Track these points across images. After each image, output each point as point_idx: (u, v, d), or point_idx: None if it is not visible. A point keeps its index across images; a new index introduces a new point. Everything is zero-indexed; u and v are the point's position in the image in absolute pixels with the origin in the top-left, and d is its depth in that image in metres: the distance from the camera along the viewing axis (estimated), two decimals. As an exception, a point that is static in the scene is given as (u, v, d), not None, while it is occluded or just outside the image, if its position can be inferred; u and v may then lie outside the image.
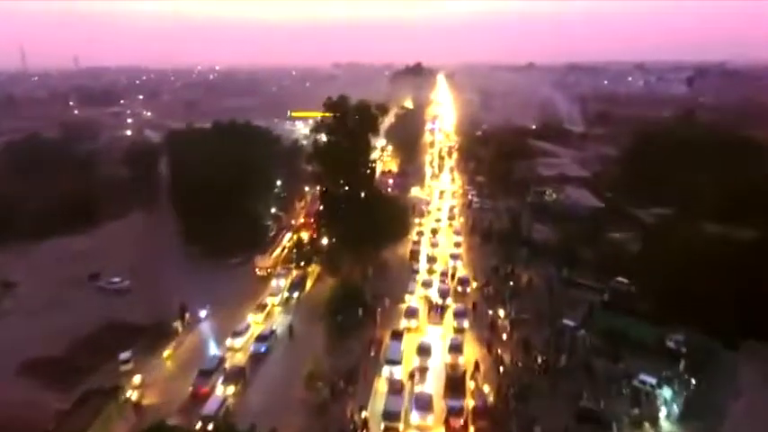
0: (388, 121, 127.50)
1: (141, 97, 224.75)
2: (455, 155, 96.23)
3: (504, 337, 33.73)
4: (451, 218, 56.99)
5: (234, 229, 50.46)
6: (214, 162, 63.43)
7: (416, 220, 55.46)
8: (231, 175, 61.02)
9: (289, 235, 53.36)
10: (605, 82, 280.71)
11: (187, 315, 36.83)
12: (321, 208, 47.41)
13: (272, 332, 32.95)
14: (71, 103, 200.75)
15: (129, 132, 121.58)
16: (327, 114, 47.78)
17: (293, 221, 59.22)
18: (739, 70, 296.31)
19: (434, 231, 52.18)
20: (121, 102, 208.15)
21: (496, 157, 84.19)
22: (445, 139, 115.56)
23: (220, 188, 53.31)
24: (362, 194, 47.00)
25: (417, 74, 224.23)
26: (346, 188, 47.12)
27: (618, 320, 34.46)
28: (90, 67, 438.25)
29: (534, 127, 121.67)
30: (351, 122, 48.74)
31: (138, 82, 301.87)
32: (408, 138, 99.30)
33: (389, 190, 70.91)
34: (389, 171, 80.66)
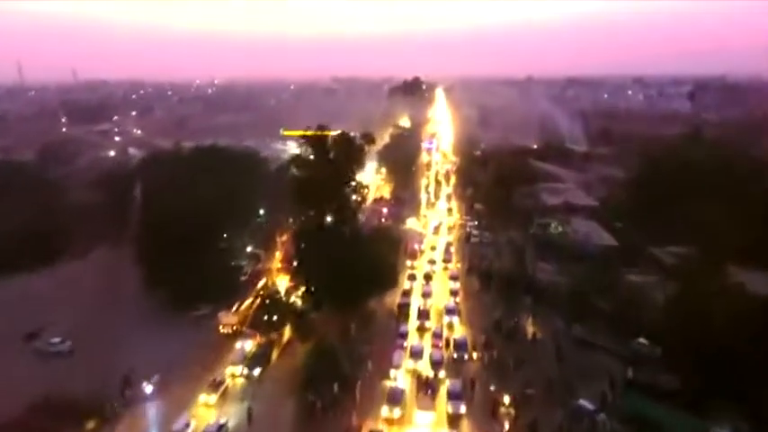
0: (382, 141, 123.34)
1: (134, 113, 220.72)
2: (453, 179, 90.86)
3: (508, 425, 27.68)
4: (447, 260, 50.71)
5: (204, 272, 44.84)
6: (189, 190, 58.07)
7: (408, 262, 49.49)
8: (206, 206, 55.41)
9: (264, 280, 47.24)
10: (605, 96, 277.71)
11: (128, 392, 30.87)
12: (296, 253, 41.79)
13: (222, 427, 26.82)
14: (62, 119, 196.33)
15: (112, 153, 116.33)
16: (310, 133, 42.94)
17: (273, 260, 53.23)
18: (740, 83, 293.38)
19: (428, 277, 46.05)
20: (114, 118, 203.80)
21: (496, 181, 78.84)
22: (443, 159, 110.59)
23: (193, 221, 47.60)
24: (345, 235, 41.48)
25: (415, 89, 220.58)
26: (326, 228, 41.62)
27: (647, 404, 28.44)
28: (89, 80, 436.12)
29: (535, 146, 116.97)
30: (333, 154, 43.64)
31: (134, 96, 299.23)
32: (404, 159, 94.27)
33: (382, 220, 65.60)
34: (382, 198, 75.21)
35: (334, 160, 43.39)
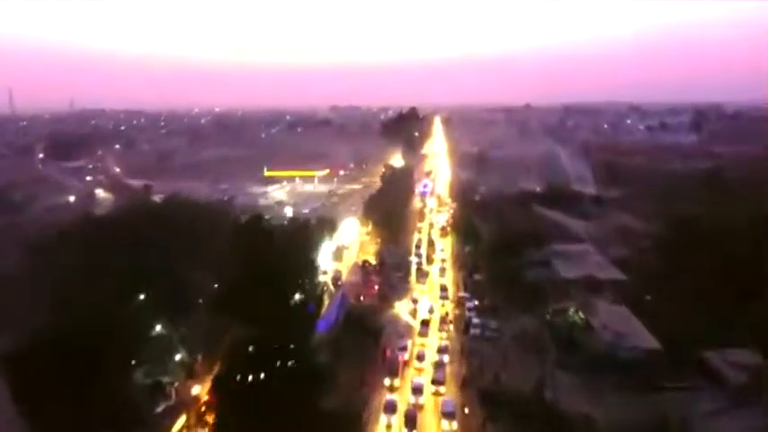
0: (372, 182, 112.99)
1: (118, 147, 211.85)
2: (449, 236, 79.56)
3: None
4: (439, 381, 36.55)
5: (111, 393, 33.11)
6: (125, 262, 47.30)
7: (387, 380, 36.86)
8: (141, 285, 44.88)
9: (185, 417, 34.51)
10: (605, 126, 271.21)
11: None
12: (219, 390, 29.86)
13: None
14: (40, 155, 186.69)
15: (72, 198, 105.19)
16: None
17: (209, 374, 39.74)
18: (742, 112, 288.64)
19: (411, 422, 32.05)
20: (99, 152, 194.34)
21: (499, 240, 67.63)
22: (438, 205, 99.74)
23: (118, 309, 37.34)
24: (290, 362, 29.67)
25: (411, 121, 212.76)
26: (264, 349, 29.86)
27: None
28: (85, 109, 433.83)
29: (539, 189, 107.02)
30: (282, 247, 32.46)
31: (123, 128, 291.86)
32: (394, 209, 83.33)
33: (361, 298, 53.82)
34: (365, 263, 63.51)
35: (284, 255, 32.18)
